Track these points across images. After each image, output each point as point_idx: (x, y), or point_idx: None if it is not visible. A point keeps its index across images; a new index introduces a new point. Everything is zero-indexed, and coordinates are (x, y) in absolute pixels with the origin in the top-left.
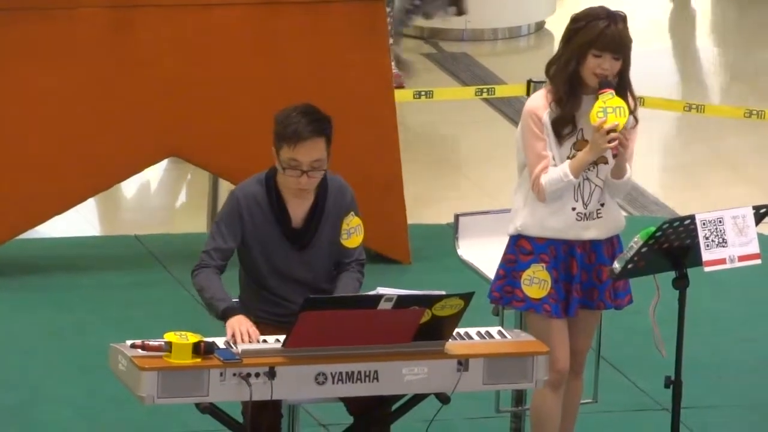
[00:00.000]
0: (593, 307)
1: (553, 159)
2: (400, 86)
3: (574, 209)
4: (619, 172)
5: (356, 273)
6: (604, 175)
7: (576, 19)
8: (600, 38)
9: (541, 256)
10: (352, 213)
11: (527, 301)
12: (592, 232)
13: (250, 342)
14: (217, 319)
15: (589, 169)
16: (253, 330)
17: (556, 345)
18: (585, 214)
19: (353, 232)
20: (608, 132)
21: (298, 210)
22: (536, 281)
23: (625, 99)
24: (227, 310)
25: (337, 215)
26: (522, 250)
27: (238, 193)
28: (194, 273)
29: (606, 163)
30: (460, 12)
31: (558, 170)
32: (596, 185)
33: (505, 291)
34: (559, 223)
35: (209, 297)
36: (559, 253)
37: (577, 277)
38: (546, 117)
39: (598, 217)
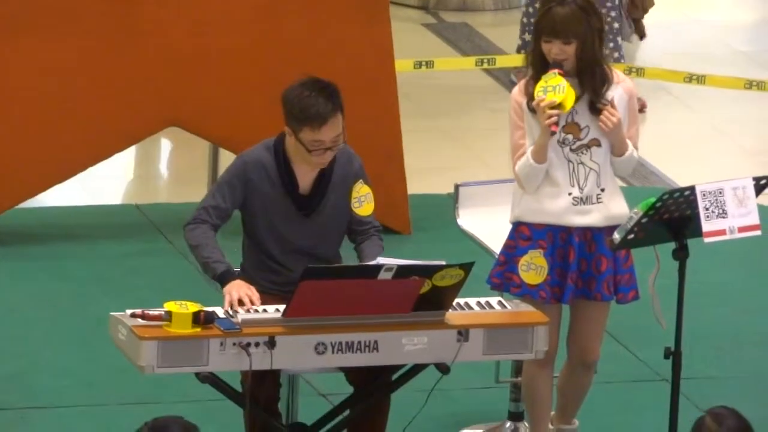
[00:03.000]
0: (591, 297)
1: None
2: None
3: (570, 194)
4: (616, 149)
5: (378, 239)
6: (599, 158)
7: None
8: (542, 23)
9: (539, 242)
10: (361, 181)
11: (523, 287)
12: (590, 217)
13: (251, 305)
14: (212, 279)
15: (582, 153)
16: (253, 293)
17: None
18: (582, 199)
19: (364, 200)
20: (549, 109)
21: (305, 177)
22: (533, 267)
23: (593, 75)
24: (225, 273)
25: (345, 182)
26: (521, 236)
27: (246, 157)
28: (188, 227)
29: (599, 146)
30: (642, 36)
31: (524, 156)
32: (591, 168)
33: (504, 277)
34: (555, 208)
35: (206, 257)
36: (557, 240)
37: (573, 266)
38: (525, 105)
39: (598, 202)
